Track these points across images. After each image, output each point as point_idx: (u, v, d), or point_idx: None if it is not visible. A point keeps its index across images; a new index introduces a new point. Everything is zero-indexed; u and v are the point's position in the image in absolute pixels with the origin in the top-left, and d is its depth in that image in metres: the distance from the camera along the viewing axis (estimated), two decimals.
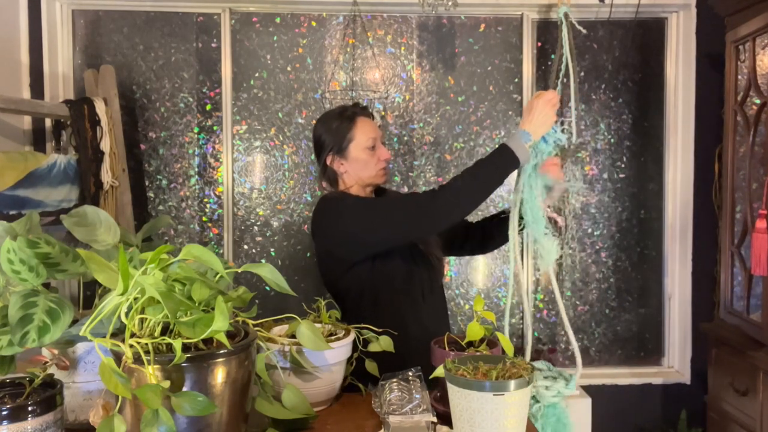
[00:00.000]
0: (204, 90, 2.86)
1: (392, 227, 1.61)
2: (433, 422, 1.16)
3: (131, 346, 0.87)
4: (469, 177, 1.58)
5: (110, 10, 2.82)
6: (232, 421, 0.94)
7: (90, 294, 1.17)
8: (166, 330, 0.93)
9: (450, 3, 2.23)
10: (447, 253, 1.98)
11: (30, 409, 0.92)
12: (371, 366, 1.39)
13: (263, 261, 2.85)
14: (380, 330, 1.39)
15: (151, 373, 0.85)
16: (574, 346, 1.56)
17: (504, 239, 1.83)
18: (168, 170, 2.87)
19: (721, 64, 2.62)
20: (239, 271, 1.01)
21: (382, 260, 1.68)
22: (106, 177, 2.51)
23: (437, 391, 1.30)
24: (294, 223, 2.89)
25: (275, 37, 2.86)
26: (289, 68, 2.87)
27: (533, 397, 1.42)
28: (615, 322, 3.00)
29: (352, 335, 1.34)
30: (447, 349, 1.25)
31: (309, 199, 2.89)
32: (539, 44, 2.92)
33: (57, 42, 2.78)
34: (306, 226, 2.89)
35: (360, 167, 1.74)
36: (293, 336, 1.23)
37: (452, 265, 2.96)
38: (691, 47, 2.86)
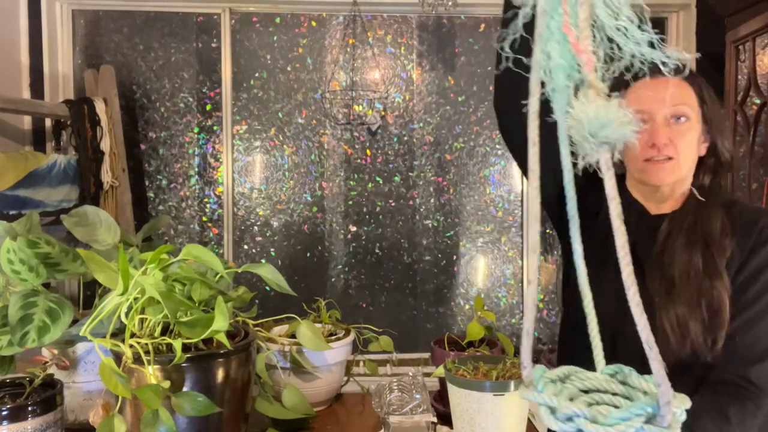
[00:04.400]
0: (204, 90, 2.86)
1: None
2: (433, 422, 1.16)
3: (131, 346, 0.87)
4: None
5: (110, 10, 2.82)
6: (232, 421, 0.94)
7: (90, 294, 1.17)
8: (166, 330, 0.93)
9: (450, 3, 2.24)
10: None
11: (30, 409, 0.92)
12: (371, 366, 1.40)
13: (263, 261, 2.85)
14: (380, 330, 1.39)
15: (151, 373, 0.85)
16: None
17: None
18: (168, 170, 2.86)
19: (721, 64, 2.61)
20: (239, 271, 1.01)
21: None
22: (106, 177, 2.51)
23: (437, 391, 1.30)
24: (294, 223, 2.89)
25: (275, 37, 2.86)
26: (289, 68, 2.87)
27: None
28: None
29: (352, 335, 1.34)
30: (447, 349, 1.25)
31: (309, 199, 2.89)
32: None
33: (57, 42, 2.78)
34: (306, 226, 2.89)
35: (625, 152, 1.16)
36: (293, 336, 1.23)
37: (453, 265, 2.95)
38: (691, 47, 2.86)
